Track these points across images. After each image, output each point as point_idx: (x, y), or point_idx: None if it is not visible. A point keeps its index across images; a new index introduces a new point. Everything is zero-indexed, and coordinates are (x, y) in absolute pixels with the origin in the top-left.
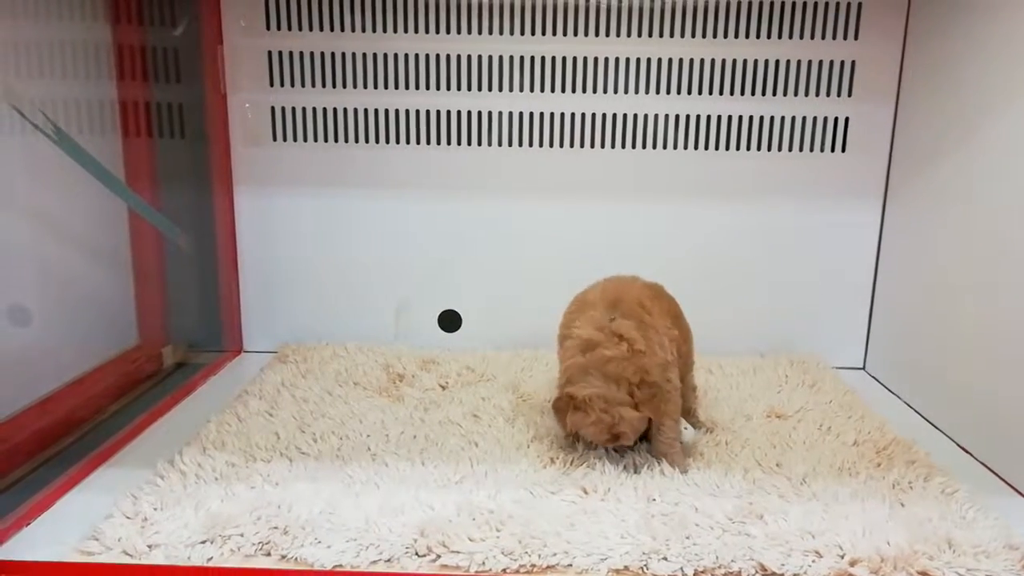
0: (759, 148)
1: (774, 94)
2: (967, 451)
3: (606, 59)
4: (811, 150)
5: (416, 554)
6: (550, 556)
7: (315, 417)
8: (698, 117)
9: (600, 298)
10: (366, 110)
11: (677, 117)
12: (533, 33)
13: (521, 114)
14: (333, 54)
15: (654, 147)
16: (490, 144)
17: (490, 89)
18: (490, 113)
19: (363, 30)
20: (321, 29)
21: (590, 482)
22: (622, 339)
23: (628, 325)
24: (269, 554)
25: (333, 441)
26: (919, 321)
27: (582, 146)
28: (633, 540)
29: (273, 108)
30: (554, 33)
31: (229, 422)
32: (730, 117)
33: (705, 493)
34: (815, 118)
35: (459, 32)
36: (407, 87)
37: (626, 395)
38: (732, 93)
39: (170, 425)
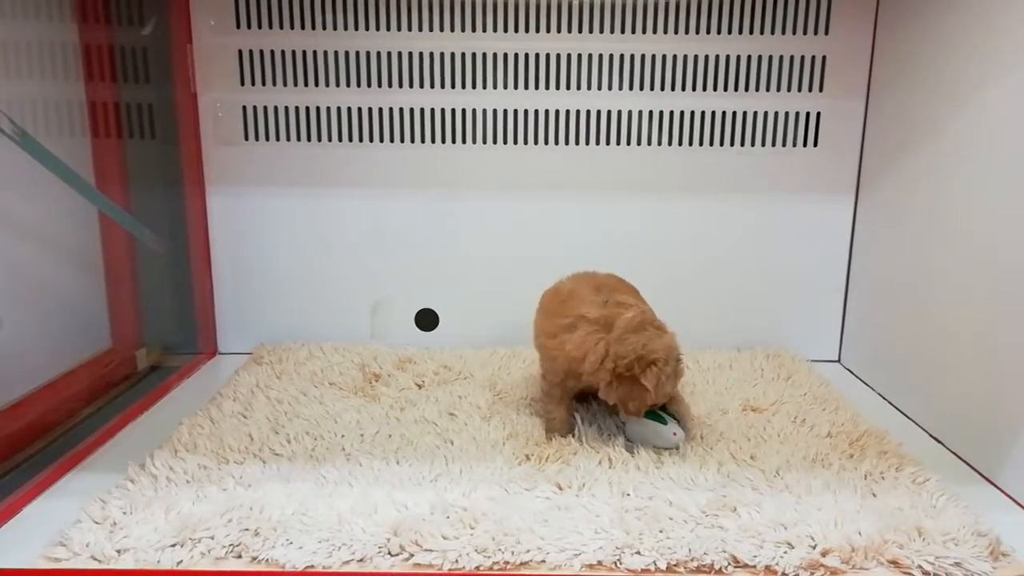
0: (732, 144)
1: (746, 89)
2: (939, 441)
3: (579, 56)
4: (783, 145)
5: (389, 553)
6: (523, 553)
7: (289, 418)
8: (671, 113)
9: (580, 286)
10: (339, 108)
11: (651, 113)
12: (506, 30)
13: (495, 111)
14: (305, 52)
15: (628, 143)
16: (464, 142)
17: (463, 87)
18: (464, 111)
19: (335, 28)
20: (292, 27)
21: (565, 478)
22: (629, 307)
23: (625, 297)
24: (240, 556)
25: (307, 442)
26: (893, 313)
27: (557, 143)
28: (607, 535)
29: (244, 107)
30: (527, 30)
31: (202, 424)
32: (703, 113)
33: (679, 487)
34: (787, 113)
35: (431, 30)
36: (380, 85)
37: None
38: (704, 89)
39: (143, 428)
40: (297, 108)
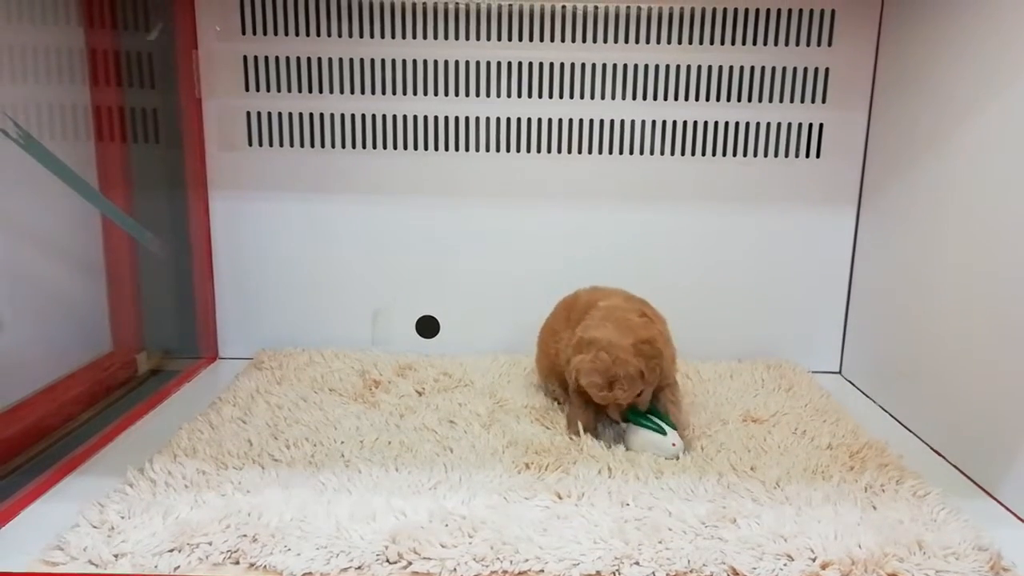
0: (734, 154)
1: (750, 100)
2: (940, 454)
3: (582, 65)
4: (786, 156)
5: (387, 561)
6: (522, 562)
7: (289, 424)
8: (675, 123)
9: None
10: (343, 115)
11: (654, 123)
12: (510, 39)
13: (498, 120)
14: (309, 59)
15: (631, 153)
16: (467, 150)
17: (467, 95)
18: (467, 119)
19: (339, 35)
20: (297, 34)
21: (564, 487)
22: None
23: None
24: (238, 562)
25: (306, 448)
26: (894, 325)
27: (559, 152)
28: (605, 545)
29: (249, 113)
30: (531, 39)
31: (201, 429)
32: (706, 123)
33: (679, 497)
34: (790, 124)
35: (435, 38)
36: (383, 92)
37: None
38: (708, 99)
39: (142, 433)
40: (301, 114)
